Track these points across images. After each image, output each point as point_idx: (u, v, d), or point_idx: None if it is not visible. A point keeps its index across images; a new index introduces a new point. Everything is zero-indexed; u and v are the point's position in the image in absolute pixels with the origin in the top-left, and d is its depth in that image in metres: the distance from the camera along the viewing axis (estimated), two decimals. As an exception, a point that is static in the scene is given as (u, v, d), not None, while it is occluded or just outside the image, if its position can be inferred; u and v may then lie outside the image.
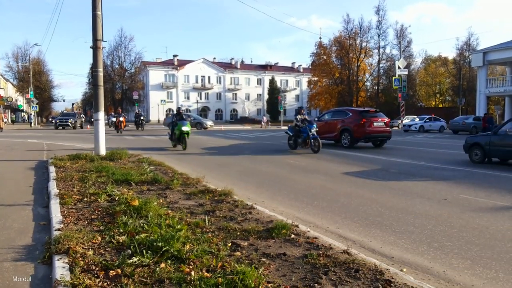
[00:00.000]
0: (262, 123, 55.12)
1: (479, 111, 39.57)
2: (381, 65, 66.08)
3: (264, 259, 4.02)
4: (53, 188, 7.39)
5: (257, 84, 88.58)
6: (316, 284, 3.45)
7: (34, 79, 59.04)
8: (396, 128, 41.80)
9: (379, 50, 64.57)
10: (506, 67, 42.82)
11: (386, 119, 18.88)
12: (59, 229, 4.83)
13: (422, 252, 4.72)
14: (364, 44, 63.92)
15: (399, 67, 44.12)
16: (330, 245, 4.52)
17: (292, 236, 4.78)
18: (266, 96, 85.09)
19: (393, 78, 45.80)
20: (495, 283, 3.87)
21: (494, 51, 39.14)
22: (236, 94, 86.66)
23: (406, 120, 42.47)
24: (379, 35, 63.46)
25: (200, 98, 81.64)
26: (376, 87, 67.03)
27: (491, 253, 4.66)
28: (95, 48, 12.80)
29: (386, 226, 5.78)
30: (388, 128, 18.93)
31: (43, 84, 65.99)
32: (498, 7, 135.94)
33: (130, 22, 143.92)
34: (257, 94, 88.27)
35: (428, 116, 40.32)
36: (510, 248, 4.83)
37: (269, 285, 3.39)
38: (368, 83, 70.16)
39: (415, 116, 43.21)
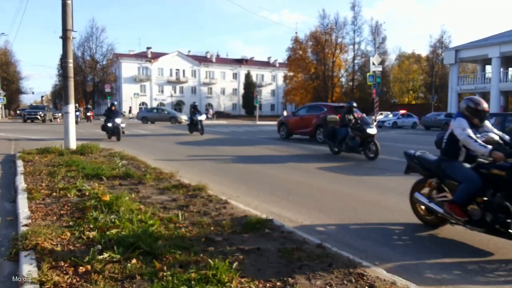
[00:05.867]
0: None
1: (450, 108, 40.49)
2: (356, 61, 67.05)
3: (238, 254, 3.97)
4: (21, 182, 7.15)
5: (233, 78, 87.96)
6: (290, 279, 3.43)
7: (1, 70, 57.33)
8: (370, 124, 42.27)
9: (354, 46, 65.55)
10: (477, 64, 43.94)
11: (361, 115, 19.03)
12: (26, 225, 4.67)
13: (394, 246, 4.77)
14: (339, 39, 64.72)
15: (373, 63, 44.53)
16: (305, 239, 4.51)
17: (267, 230, 4.75)
18: (241, 91, 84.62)
19: (368, 74, 46.39)
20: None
21: (466, 49, 40.10)
22: (211, 88, 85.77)
23: (380, 116, 43.10)
24: (354, 31, 64.42)
25: (175, 92, 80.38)
26: (351, 83, 67.89)
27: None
28: (65, 38, 12.47)
29: (360, 220, 5.82)
30: (362, 124, 19.08)
31: (11, 75, 63.89)
32: (463, 3, 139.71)
33: (102, 12, 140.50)
34: (233, 89, 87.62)
35: (401, 112, 41.01)
36: None
37: (243, 280, 3.35)
38: (343, 79, 71.01)
39: (389, 112, 43.88)
